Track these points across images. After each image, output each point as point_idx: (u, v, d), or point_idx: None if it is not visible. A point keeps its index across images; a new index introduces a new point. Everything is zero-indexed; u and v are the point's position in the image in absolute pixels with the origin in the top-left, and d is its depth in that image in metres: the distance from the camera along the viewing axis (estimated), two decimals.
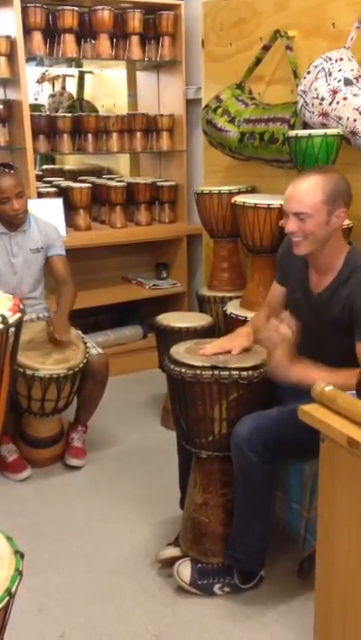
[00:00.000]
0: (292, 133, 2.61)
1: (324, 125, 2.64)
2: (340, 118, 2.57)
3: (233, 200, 2.91)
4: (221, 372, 1.87)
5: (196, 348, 2.03)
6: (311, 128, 2.71)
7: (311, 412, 1.60)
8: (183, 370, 1.90)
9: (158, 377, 3.30)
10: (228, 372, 1.87)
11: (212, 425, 1.93)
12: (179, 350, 2.02)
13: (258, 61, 3.14)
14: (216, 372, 1.87)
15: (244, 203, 2.82)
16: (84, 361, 2.62)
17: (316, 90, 2.62)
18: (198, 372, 1.88)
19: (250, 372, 1.88)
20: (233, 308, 2.95)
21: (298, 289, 2.08)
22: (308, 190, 1.87)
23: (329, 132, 2.52)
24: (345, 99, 2.55)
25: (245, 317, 2.84)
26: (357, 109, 2.52)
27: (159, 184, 4.01)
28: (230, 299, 3.15)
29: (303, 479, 2.02)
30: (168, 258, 4.07)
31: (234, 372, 1.87)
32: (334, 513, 1.60)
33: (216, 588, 2.02)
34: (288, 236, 2.05)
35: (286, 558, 2.17)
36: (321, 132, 2.53)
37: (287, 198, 1.93)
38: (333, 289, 1.94)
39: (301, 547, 2.05)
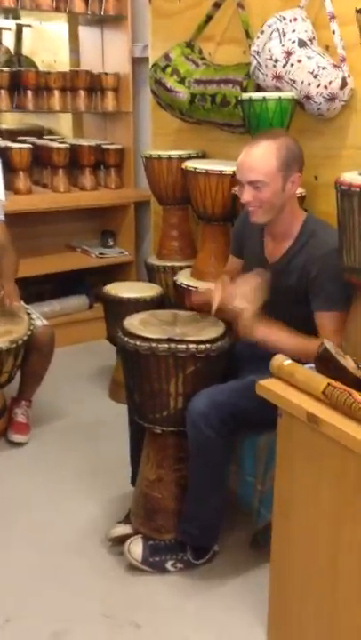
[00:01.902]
0: (245, 96, 2.51)
1: (277, 89, 2.56)
2: (294, 82, 2.49)
3: (183, 165, 2.81)
4: (178, 345, 1.79)
5: (152, 320, 1.94)
6: (264, 91, 2.62)
7: (269, 387, 1.56)
8: (138, 342, 1.81)
9: (106, 348, 3.22)
10: (185, 345, 1.79)
11: (167, 399, 1.86)
12: (132, 322, 1.92)
13: (208, 19, 3.01)
14: (173, 345, 1.79)
15: (196, 168, 2.72)
16: (28, 333, 2.49)
17: (269, 51, 2.52)
18: (154, 344, 1.80)
19: (207, 345, 1.82)
20: (183, 278, 2.87)
21: (254, 259, 2.02)
22: (261, 157, 1.80)
23: (283, 95, 2.44)
24: (299, 61, 2.46)
25: (196, 288, 2.76)
26: (312, 73, 2.44)
27: (105, 147, 3.85)
28: (181, 268, 3.06)
29: (257, 452, 1.98)
30: (115, 225, 3.93)
31: (191, 345, 1.80)
32: (292, 488, 1.58)
33: (169, 564, 1.98)
34: (243, 209, 1.98)
35: (239, 531, 2.14)
36: (275, 95, 2.44)
37: (240, 166, 1.85)
38: (290, 257, 1.88)
39: (255, 520, 2.02)
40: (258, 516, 2.01)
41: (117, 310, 2.92)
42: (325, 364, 1.49)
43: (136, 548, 1.98)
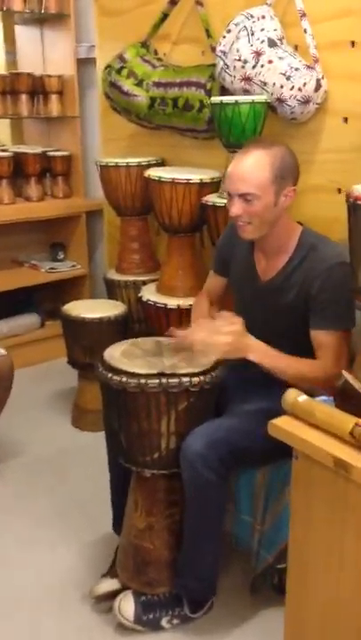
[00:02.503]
0: (215, 100, 2.34)
1: (246, 91, 2.40)
2: (265, 84, 2.34)
3: (146, 174, 2.61)
4: (170, 380, 1.60)
5: (135, 351, 1.74)
6: (231, 94, 2.46)
7: (284, 427, 1.38)
8: (124, 379, 1.60)
9: (64, 369, 2.98)
10: (177, 380, 1.60)
11: (158, 440, 1.65)
12: (114, 355, 1.71)
13: (164, 17, 2.83)
14: (164, 380, 1.59)
15: (160, 177, 2.53)
16: None
17: (237, 51, 2.36)
18: (143, 380, 1.59)
19: (201, 378, 1.63)
20: (149, 294, 2.67)
21: (244, 278, 1.85)
22: (253, 168, 1.63)
23: (257, 98, 2.28)
24: (270, 62, 2.31)
25: (165, 304, 2.58)
26: (284, 74, 2.29)
27: (50, 154, 3.59)
28: (144, 283, 2.87)
29: (254, 489, 1.81)
30: (65, 237, 3.68)
31: (184, 379, 1.60)
32: (310, 538, 1.41)
33: (164, 621, 1.78)
34: (230, 224, 1.81)
35: (236, 575, 1.96)
36: (248, 98, 2.28)
37: (229, 177, 1.68)
38: (287, 273, 1.72)
39: (254, 562, 1.85)
40: (257, 559, 1.83)
41: (79, 331, 2.69)
42: (348, 398, 1.33)
43: (127, 605, 1.77)
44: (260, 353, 1.65)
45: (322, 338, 1.66)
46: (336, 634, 1.39)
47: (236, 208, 1.66)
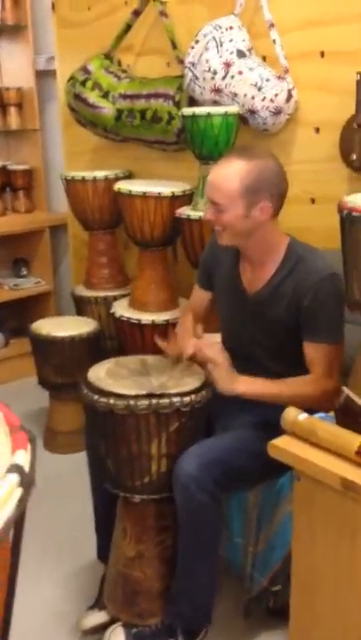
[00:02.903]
0: (187, 111, 2.30)
1: (216, 103, 2.37)
2: (235, 95, 2.32)
3: (116, 187, 2.54)
4: (160, 401, 1.53)
5: (121, 371, 1.67)
6: (200, 105, 2.43)
7: (285, 447, 1.33)
8: (112, 401, 1.53)
9: (31, 389, 2.87)
10: (167, 400, 1.53)
11: (148, 463, 1.58)
12: (99, 375, 1.63)
13: (128, 28, 2.78)
14: (154, 401, 1.53)
15: (131, 191, 2.47)
16: None
17: (207, 62, 2.34)
18: (132, 402, 1.52)
19: (192, 397, 1.57)
20: (122, 310, 2.60)
21: (228, 291, 1.80)
22: (225, 178, 1.60)
23: (229, 110, 2.25)
24: (240, 73, 2.30)
25: (139, 320, 2.51)
26: (255, 85, 2.28)
27: (10, 168, 3.49)
28: (115, 298, 2.79)
29: (246, 510, 1.75)
30: (28, 252, 3.57)
31: (175, 399, 1.54)
32: (315, 562, 1.36)
33: None
34: (213, 235, 1.77)
35: (229, 599, 1.89)
36: (221, 109, 2.25)
37: (207, 183, 1.65)
38: (275, 284, 1.68)
39: (248, 586, 1.79)
40: (251, 582, 1.78)
41: (49, 350, 2.60)
42: (350, 415, 1.29)
43: (118, 639, 1.68)
44: (247, 382, 1.61)
45: (314, 351, 1.62)
46: None
47: (209, 213, 1.65)
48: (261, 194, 1.60)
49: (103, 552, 1.87)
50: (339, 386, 1.55)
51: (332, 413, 1.40)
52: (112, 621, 1.74)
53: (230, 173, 1.59)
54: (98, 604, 1.80)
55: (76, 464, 2.49)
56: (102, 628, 1.74)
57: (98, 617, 1.77)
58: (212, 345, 1.63)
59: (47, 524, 2.26)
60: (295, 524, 1.39)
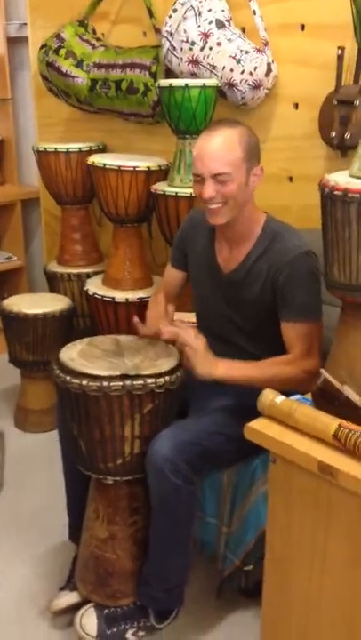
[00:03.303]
0: (164, 83, 2.23)
1: (194, 75, 2.31)
2: (214, 67, 2.25)
3: (90, 161, 2.47)
4: (134, 382, 1.49)
5: (94, 351, 1.62)
6: (177, 77, 2.36)
7: (262, 430, 1.31)
8: (84, 382, 1.49)
9: (2, 367, 2.81)
10: (142, 382, 1.50)
11: (122, 445, 1.55)
12: (71, 356, 1.59)
13: None
14: (128, 382, 1.49)
15: (105, 164, 2.40)
16: None
17: (185, 32, 2.27)
18: (105, 383, 1.48)
19: (167, 378, 1.53)
20: (96, 288, 2.55)
21: (203, 270, 1.76)
22: (225, 146, 1.55)
23: (208, 82, 2.19)
24: (219, 44, 2.23)
25: (113, 298, 2.47)
26: (234, 57, 2.21)
27: None
28: (88, 275, 2.74)
29: (220, 491, 1.74)
30: None
31: (149, 381, 1.51)
32: (290, 543, 1.35)
33: (129, 634, 1.69)
34: (191, 212, 1.73)
35: (202, 579, 1.89)
36: (199, 82, 2.19)
37: (199, 158, 1.59)
38: (250, 263, 1.64)
39: (221, 566, 1.78)
40: (224, 562, 1.77)
41: (21, 328, 2.54)
42: (328, 398, 1.28)
43: (89, 620, 1.67)
44: (226, 366, 1.56)
45: (292, 330, 1.59)
46: (317, 636, 1.35)
47: (210, 189, 1.57)
48: (255, 157, 1.62)
49: (75, 533, 1.84)
50: (320, 365, 1.54)
51: (309, 396, 1.38)
52: (84, 602, 1.73)
53: (229, 140, 1.56)
54: (69, 585, 1.79)
55: (48, 443, 2.47)
56: (74, 609, 1.73)
57: (69, 598, 1.75)
58: (187, 330, 1.58)
59: (18, 504, 2.24)
60: (270, 506, 1.38)
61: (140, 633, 1.69)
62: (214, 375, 1.54)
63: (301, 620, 1.37)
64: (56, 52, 2.63)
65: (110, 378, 1.49)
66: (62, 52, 2.62)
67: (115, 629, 1.67)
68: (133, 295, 2.46)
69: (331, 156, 2.18)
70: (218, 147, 1.55)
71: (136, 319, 1.75)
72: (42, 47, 2.70)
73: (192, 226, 1.77)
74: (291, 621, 1.40)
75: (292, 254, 1.58)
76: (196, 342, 1.55)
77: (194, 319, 1.87)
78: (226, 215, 1.59)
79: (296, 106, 2.26)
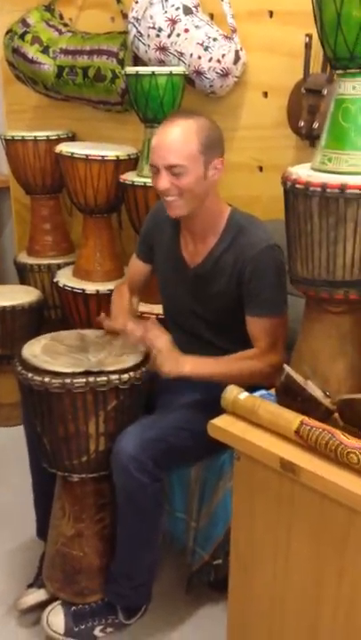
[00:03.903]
0: (130, 70, 2.19)
1: (161, 62, 2.27)
2: (181, 54, 2.21)
3: (57, 149, 2.42)
4: (97, 379, 1.47)
5: (58, 347, 1.59)
6: (145, 64, 2.32)
7: (225, 427, 1.30)
8: (47, 379, 1.46)
9: None
10: (105, 378, 1.47)
11: (86, 443, 1.53)
12: (34, 352, 1.56)
13: None
14: (91, 379, 1.47)
15: (73, 153, 2.36)
16: None
17: (151, 18, 2.22)
18: (68, 380, 1.46)
19: (131, 374, 1.51)
20: (65, 279, 2.51)
21: (169, 264, 1.73)
22: (180, 138, 1.51)
23: (175, 70, 2.15)
24: (186, 31, 2.19)
25: (83, 290, 2.43)
26: (201, 45, 2.17)
27: None
28: (59, 266, 2.70)
29: (189, 486, 1.73)
30: None
31: (113, 377, 1.48)
32: (254, 540, 1.35)
33: (97, 630, 1.68)
34: (157, 204, 1.69)
35: (171, 573, 1.89)
36: (166, 69, 2.15)
37: (155, 149, 1.55)
38: (216, 257, 1.62)
39: (190, 560, 1.78)
40: (192, 557, 1.77)
41: None
42: (291, 394, 1.26)
43: (56, 618, 1.65)
44: (193, 363, 1.54)
45: (257, 325, 1.58)
46: (282, 631, 1.34)
47: (164, 181, 1.53)
48: (215, 150, 1.56)
49: (43, 530, 1.83)
50: (285, 359, 1.53)
51: (273, 391, 1.37)
52: (52, 600, 1.71)
53: (185, 132, 1.51)
54: (37, 583, 1.77)
55: (20, 437, 2.42)
56: (41, 606, 1.71)
57: (37, 595, 1.73)
58: (152, 329, 1.55)
59: None
60: (234, 502, 1.37)
61: (109, 629, 1.69)
62: (182, 373, 1.51)
63: (266, 615, 1.37)
64: (22, 37, 2.56)
65: (73, 375, 1.47)
66: (28, 37, 2.55)
67: (82, 626, 1.66)
68: (104, 287, 2.43)
69: (301, 146, 2.15)
70: (173, 138, 1.51)
71: (102, 315, 1.72)
72: (7, 32, 2.63)
73: (157, 219, 1.74)
74: (256, 616, 1.40)
75: (258, 248, 1.55)
76: (160, 341, 1.53)
77: (160, 311, 1.85)
78: (183, 208, 1.56)
79: (265, 94, 2.24)
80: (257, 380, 1.49)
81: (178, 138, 1.51)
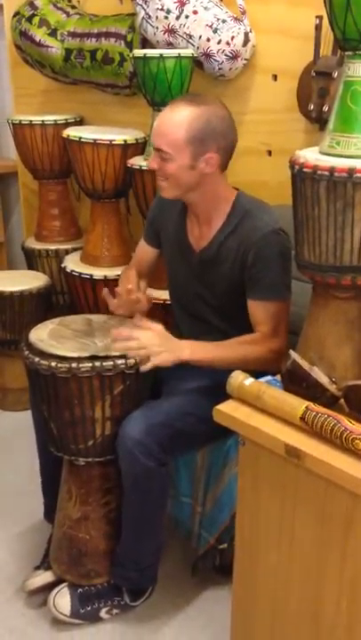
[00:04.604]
0: (138, 53, 2.17)
1: (170, 44, 2.24)
2: (190, 36, 2.19)
3: (65, 134, 2.41)
4: (104, 363, 1.47)
5: (65, 331, 1.60)
6: (153, 46, 2.30)
7: (230, 413, 1.30)
8: (53, 363, 1.47)
9: None
10: (111, 362, 1.48)
11: (92, 427, 1.54)
12: (41, 336, 1.57)
13: None
14: (97, 364, 1.47)
15: (81, 138, 2.34)
16: None
17: (160, 0, 2.20)
18: (74, 365, 1.46)
19: (137, 359, 1.51)
20: (73, 265, 2.50)
21: (175, 248, 1.72)
22: (171, 124, 1.51)
23: (183, 52, 2.13)
24: (195, 12, 2.16)
25: (91, 275, 2.43)
26: (210, 26, 2.15)
27: None
28: (66, 252, 2.69)
29: (195, 471, 1.74)
30: None
31: (119, 362, 1.49)
32: (258, 525, 1.35)
33: (103, 612, 1.70)
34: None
35: (177, 557, 1.90)
36: (174, 52, 2.12)
37: (153, 129, 1.56)
38: (221, 241, 1.61)
39: (195, 545, 1.79)
40: (198, 541, 1.78)
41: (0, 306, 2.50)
42: (297, 380, 1.26)
43: (63, 600, 1.67)
44: (193, 347, 1.52)
45: (260, 309, 1.57)
46: (285, 615, 1.35)
47: (153, 162, 1.55)
48: (208, 144, 1.52)
49: (50, 512, 1.84)
50: (286, 345, 1.52)
51: (279, 377, 1.36)
52: (58, 581, 1.73)
53: (177, 120, 1.50)
54: (44, 565, 1.79)
55: (28, 421, 2.44)
56: (48, 588, 1.73)
57: (44, 577, 1.75)
58: (138, 328, 1.52)
59: None
60: (239, 488, 1.37)
61: (114, 611, 1.71)
62: (181, 358, 1.50)
63: (271, 599, 1.38)
64: (29, 20, 2.54)
65: (80, 359, 1.47)
66: (36, 20, 2.53)
67: (88, 608, 1.68)
68: (111, 272, 2.42)
69: (311, 130, 2.13)
70: (164, 123, 1.51)
71: (106, 290, 1.71)
72: (14, 15, 2.61)
73: (164, 203, 1.73)
74: (260, 600, 1.40)
75: (262, 232, 1.54)
76: (146, 336, 1.47)
77: (167, 297, 1.84)
78: (169, 192, 1.57)
79: (275, 77, 2.21)
80: (257, 366, 1.48)
81: (168, 123, 1.51)
